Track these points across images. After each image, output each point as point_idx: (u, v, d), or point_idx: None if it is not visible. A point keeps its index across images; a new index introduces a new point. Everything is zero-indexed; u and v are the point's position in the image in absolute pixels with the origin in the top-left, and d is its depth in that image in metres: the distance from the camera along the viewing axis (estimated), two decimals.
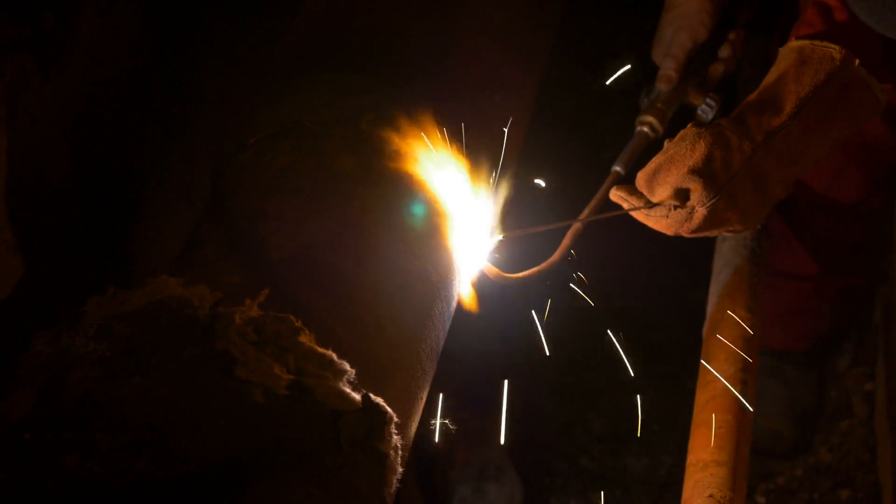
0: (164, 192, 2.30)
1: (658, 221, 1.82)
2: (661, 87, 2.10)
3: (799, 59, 1.81)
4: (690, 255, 3.10)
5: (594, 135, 2.63)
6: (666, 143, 1.83)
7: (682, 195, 1.78)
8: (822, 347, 3.07)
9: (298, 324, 1.50)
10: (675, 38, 2.09)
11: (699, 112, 2.10)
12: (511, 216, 1.91)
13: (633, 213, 1.84)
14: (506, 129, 1.97)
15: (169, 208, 2.32)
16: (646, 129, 2.05)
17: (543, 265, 1.88)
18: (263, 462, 1.39)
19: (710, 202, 1.75)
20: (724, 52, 2.13)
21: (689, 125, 1.81)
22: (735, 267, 2.34)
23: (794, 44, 1.84)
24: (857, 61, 1.80)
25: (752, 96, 1.82)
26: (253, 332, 1.48)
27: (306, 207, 1.74)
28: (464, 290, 1.93)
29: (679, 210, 1.78)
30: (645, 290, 3.27)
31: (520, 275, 1.87)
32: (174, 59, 2.25)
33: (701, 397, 2.12)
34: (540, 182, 1.99)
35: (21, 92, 1.75)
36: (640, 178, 1.82)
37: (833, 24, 1.86)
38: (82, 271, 2.00)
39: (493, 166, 1.91)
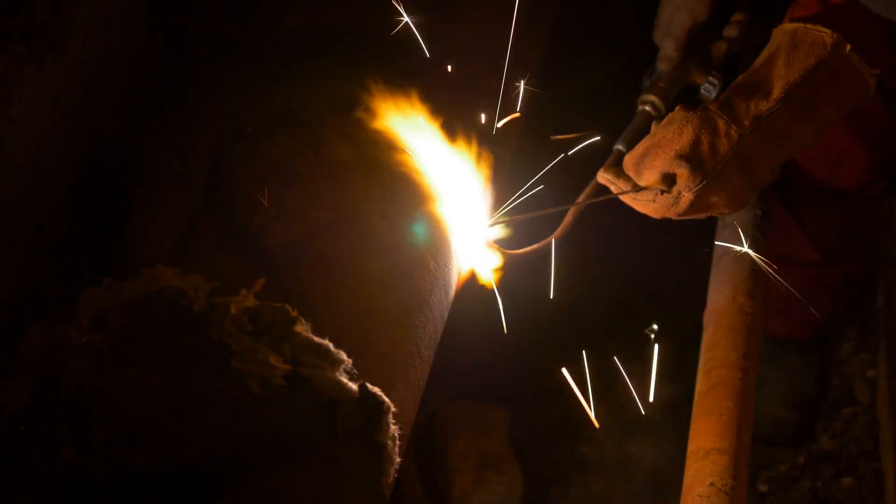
0: (159, 182, 2.29)
1: (645, 205, 1.83)
2: (662, 67, 2.09)
3: (791, 43, 1.80)
4: (690, 241, 3.09)
5: (596, 118, 2.62)
6: (653, 127, 1.83)
7: (668, 180, 1.78)
8: (823, 334, 3.06)
9: (294, 313, 1.50)
10: (674, 18, 2.08)
11: (702, 91, 2.09)
12: (512, 198, 1.91)
13: (621, 197, 1.84)
14: (505, 116, 1.96)
15: (165, 198, 2.31)
16: (648, 108, 2.04)
17: (544, 242, 1.88)
18: (260, 453, 1.38)
19: (697, 187, 1.76)
20: (730, 32, 2.11)
21: (678, 108, 1.81)
22: (735, 254, 2.33)
23: (787, 26, 1.83)
24: (848, 47, 1.79)
25: (742, 78, 1.82)
26: (249, 321, 1.47)
27: (302, 197, 1.74)
28: (463, 275, 1.93)
29: (666, 195, 1.79)
30: (644, 277, 3.26)
31: (521, 251, 1.88)
32: (169, 48, 2.24)
33: (702, 385, 2.11)
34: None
35: (16, 82, 1.75)
36: (628, 162, 1.83)
37: (827, 7, 1.85)
38: (78, 262, 1.99)
39: (492, 152, 1.90)
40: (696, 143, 1.76)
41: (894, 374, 2.86)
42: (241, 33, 2.37)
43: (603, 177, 1.86)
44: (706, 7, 2.07)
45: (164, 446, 1.38)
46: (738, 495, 1.87)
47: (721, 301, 2.25)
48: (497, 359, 3.03)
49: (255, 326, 1.47)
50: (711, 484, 1.86)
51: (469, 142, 1.88)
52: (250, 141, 1.89)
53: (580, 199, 1.91)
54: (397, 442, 1.52)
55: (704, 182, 1.76)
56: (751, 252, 2.32)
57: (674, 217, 1.83)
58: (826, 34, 1.79)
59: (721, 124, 1.76)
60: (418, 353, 1.73)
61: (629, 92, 2.14)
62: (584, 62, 3.16)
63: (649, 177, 1.79)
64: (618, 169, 1.85)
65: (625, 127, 2.01)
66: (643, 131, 1.96)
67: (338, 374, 1.48)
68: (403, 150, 1.83)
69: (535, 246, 1.89)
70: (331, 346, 1.50)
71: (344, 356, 1.50)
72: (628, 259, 3.15)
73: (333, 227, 1.70)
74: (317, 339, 1.49)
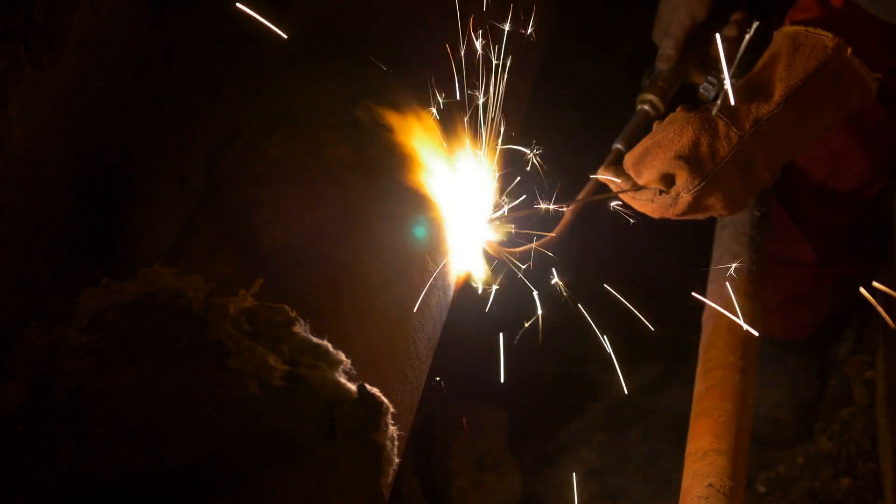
0: (158, 182, 2.29)
1: (644, 205, 1.83)
2: (661, 66, 2.10)
3: (792, 46, 1.80)
4: (690, 242, 3.09)
5: (596, 118, 2.63)
6: (655, 126, 1.83)
7: (667, 180, 1.79)
8: (822, 335, 3.06)
9: (293, 314, 1.49)
10: (673, 17, 2.09)
11: (701, 90, 2.09)
12: (511, 196, 1.91)
13: (620, 195, 1.84)
14: (502, 112, 1.96)
15: (163, 198, 2.31)
16: (646, 107, 2.05)
17: (543, 240, 1.88)
18: (258, 453, 1.38)
19: (695, 189, 1.76)
20: (729, 31, 2.12)
21: (679, 108, 1.82)
22: (734, 255, 2.32)
23: (788, 29, 1.83)
24: (849, 50, 1.79)
25: (743, 81, 1.82)
26: (247, 322, 1.47)
27: (301, 197, 1.73)
28: (462, 275, 1.92)
29: (665, 195, 1.79)
30: (643, 278, 3.25)
31: (519, 249, 1.88)
32: (168, 48, 2.24)
33: (700, 386, 2.11)
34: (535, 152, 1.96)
35: (13, 82, 1.74)
36: (628, 161, 1.83)
37: (828, 10, 1.85)
38: (76, 262, 1.99)
39: (490, 149, 1.90)
40: (695, 145, 1.76)
41: (892, 375, 2.86)
42: (240, 33, 2.37)
43: (602, 175, 1.86)
44: (705, 7, 2.08)
45: (162, 446, 1.37)
46: (737, 496, 1.87)
47: (719, 302, 2.25)
48: (496, 359, 3.02)
49: (254, 327, 1.47)
50: (710, 485, 1.86)
51: (469, 138, 1.87)
52: (249, 141, 1.88)
53: (579, 197, 1.92)
54: (396, 442, 1.51)
55: (703, 184, 1.76)
56: (749, 253, 2.32)
57: (672, 217, 1.83)
58: (827, 37, 1.79)
59: (721, 126, 1.77)
60: (417, 353, 1.73)
61: (628, 91, 2.15)
62: (583, 61, 3.16)
63: (648, 176, 1.80)
64: (617, 167, 1.85)
65: (624, 125, 2.02)
66: (642, 130, 1.96)
67: (336, 374, 1.47)
68: (402, 150, 1.82)
69: (534, 244, 1.89)
70: (329, 346, 1.49)
71: (342, 356, 1.49)
72: (626, 259, 3.15)
73: (332, 228, 1.69)
74: (315, 339, 1.49)
